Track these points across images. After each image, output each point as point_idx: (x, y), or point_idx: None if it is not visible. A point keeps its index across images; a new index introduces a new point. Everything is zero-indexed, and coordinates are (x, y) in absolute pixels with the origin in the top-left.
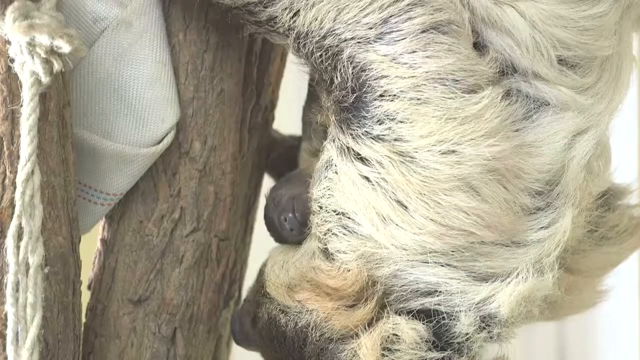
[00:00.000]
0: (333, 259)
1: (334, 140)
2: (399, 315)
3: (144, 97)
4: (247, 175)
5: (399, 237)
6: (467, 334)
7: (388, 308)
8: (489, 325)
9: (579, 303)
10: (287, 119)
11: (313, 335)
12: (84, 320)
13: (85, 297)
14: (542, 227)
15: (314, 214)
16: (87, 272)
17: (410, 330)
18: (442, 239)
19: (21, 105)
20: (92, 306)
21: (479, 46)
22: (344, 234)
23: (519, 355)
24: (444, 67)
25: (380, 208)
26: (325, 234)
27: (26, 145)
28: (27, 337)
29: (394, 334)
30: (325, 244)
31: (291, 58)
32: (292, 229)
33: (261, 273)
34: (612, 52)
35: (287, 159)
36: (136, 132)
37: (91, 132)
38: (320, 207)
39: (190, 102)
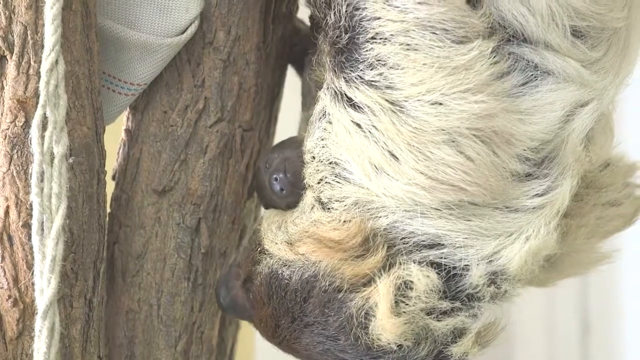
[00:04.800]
0: (329, 209)
1: (328, 87)
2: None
3: None
4: (271, 66)
5: (390, 187)
6: (477, 285)
7: (399, 258)
8: (497, 281)
9: (578, 263)
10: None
11: (322, 285)
12: (108, 210)
13: (110, 187)
14: (537, 195)
15: (306, 165)
16: (112, 163)
17: (424, 278)
18: (431, 193)
19: None
20: (116, 196)
21: (473, 1)
22: (337, 182)
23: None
24: (434, 15)
25: (372, 157)
26: (318, 183)
27: (50, 34)
28: (52, 226)
29: (408, 281)
30: (319, 193)
31: None
32: (282, 188)
33: (256, 232)
34: (621, 25)
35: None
36: (160, 22)
37: (115, 22)
38: (313, 158)
39: None
